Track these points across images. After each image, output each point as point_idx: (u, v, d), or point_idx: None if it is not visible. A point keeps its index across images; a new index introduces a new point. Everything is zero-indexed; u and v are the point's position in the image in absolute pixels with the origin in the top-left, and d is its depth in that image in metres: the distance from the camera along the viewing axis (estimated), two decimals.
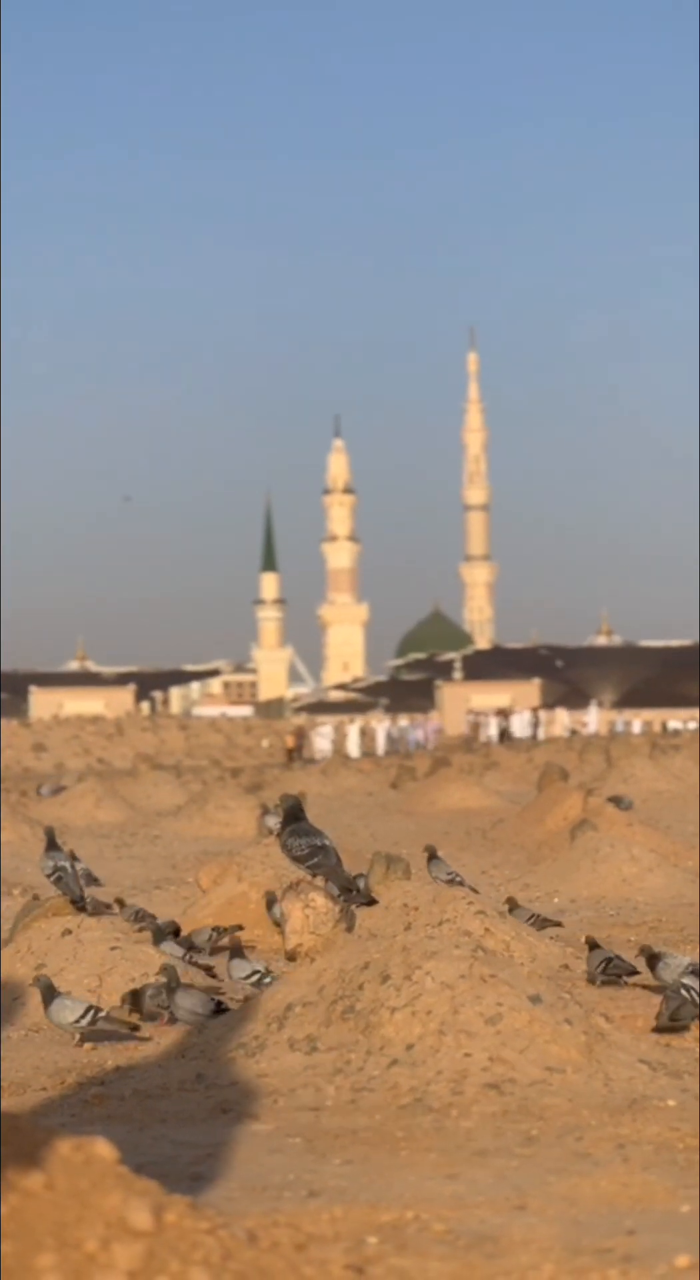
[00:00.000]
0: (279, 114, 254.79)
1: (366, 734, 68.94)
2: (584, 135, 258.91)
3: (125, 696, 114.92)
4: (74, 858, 14.58)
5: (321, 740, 65.43)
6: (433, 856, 16.62)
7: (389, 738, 68.58)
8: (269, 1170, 7.04)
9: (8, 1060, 9.96)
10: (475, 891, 16.08)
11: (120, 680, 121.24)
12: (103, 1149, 5.02)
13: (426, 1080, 8.19)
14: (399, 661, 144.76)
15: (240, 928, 13.82)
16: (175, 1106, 8.28)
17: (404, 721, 72.20)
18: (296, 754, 61.35)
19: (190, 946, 13.24)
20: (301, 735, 65.23)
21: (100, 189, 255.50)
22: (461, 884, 15.98)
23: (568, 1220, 6.26)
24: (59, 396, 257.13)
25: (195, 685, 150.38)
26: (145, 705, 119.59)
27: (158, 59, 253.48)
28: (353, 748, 65.40)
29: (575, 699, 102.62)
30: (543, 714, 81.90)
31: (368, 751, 65.43)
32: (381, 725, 71.10)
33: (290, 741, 64.04)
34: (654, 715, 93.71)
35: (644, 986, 11.90)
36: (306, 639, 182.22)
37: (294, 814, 9.81)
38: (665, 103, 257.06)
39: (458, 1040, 8.36)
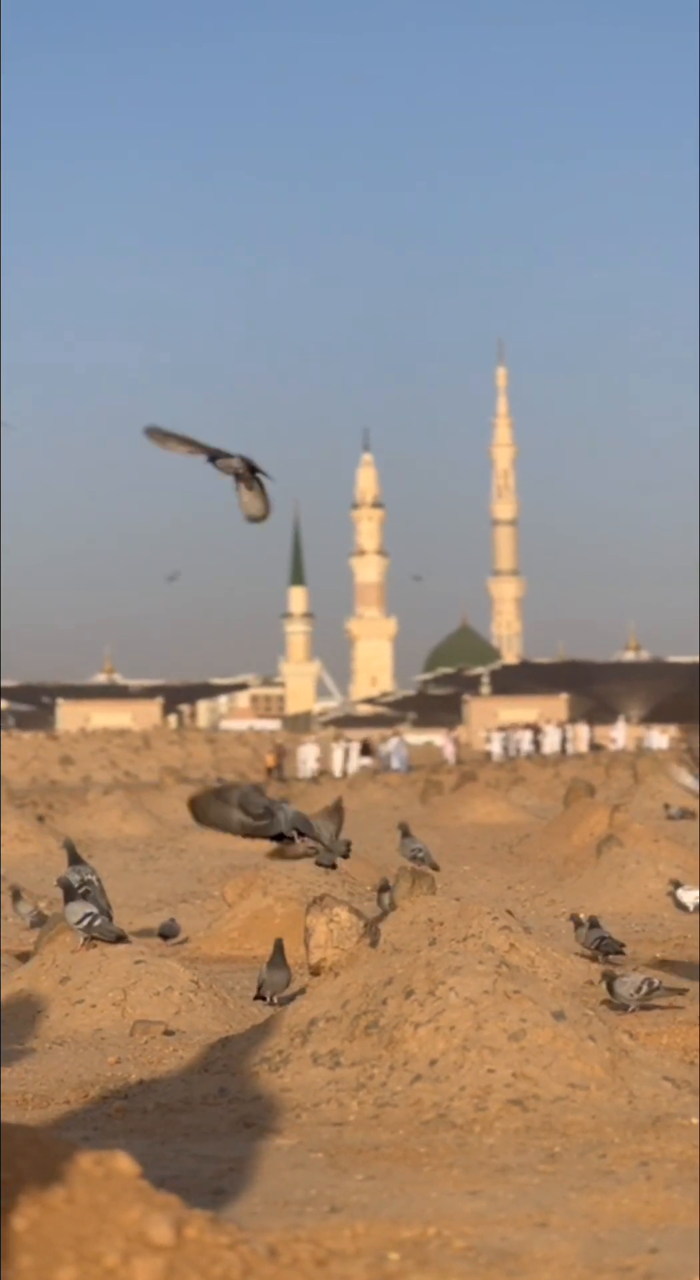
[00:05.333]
0: (307, 128, 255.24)
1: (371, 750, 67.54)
2: (615, 149, 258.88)
3: (152, 710, 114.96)
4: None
5: (306, 759, 64.16)
6: (405, 834, 16.74)
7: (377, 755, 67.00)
8: (291, 1185, 7.03)
9: (32, 1073, 9.97)
10: (435, 869, 16.12)
11: (147, 693, 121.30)
12: (123, 1163, 5.03)
13: (449, 1096, 8.18)
14: (427, 676, 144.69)
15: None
16: (198, 1120, 8.27)
17: (393, 740, 70.32)
18: (276, 772, 59.85)
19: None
20: (281, 753, 63.87)
21: (128, 199, 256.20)
22: (424, 860, 16.03)
23: (589, 1238, 6.24)
24: (83, 409, 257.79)
25: (223, 699, 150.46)
26: (172, 718, 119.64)
27: (176, 66, 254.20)
28: (336, 766, 64.00)
29: (603, 714, 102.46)
30: (578, 729, 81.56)
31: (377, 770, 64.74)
32: (343, 745, 68.69)
33: (270, 760, 62.74)
34: (682, 731, 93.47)
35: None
36: (334, 653, 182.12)
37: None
38: (693, 117, 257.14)
39: (481, 1056, 8.34)
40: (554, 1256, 6.00)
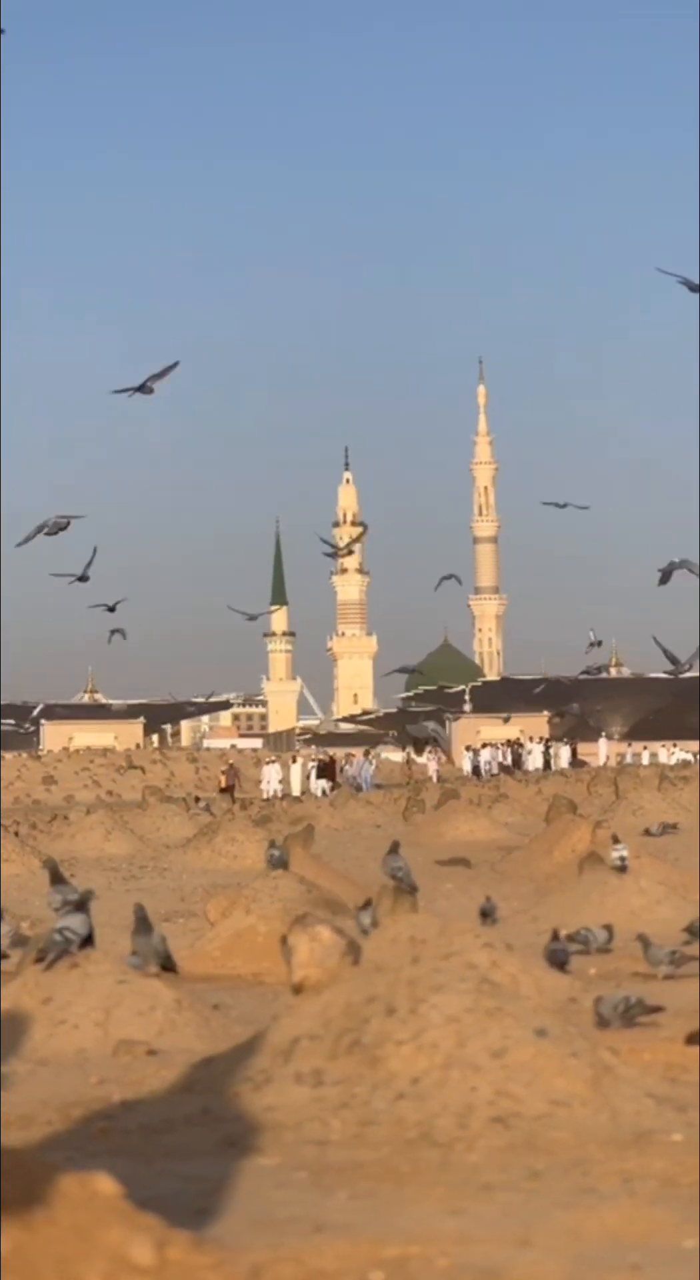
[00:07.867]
0: (286, 144, 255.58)
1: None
2: (595, 166, 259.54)
3: (135, 729, 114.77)
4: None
5: (268, 779, 63.20)
6: (392, 851, 16.80)
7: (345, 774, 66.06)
8: (274, 1204, 7.02)
9: (14, 1094, 9.94)
10: (414, 889, 16.15)
11: (130, 712, 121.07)
12: (106, 1184, 5.02)
13: (432, 1114, 8.18)
14: (408, 693, 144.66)
15: None
16: (181, 1140, 8.26)
17: (358, 759, 69.19)
18: (230, 793, 58.34)
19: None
20: (234, 773, 62.56)
21: (118, 211, 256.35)
22: (401, 879, 16.06)
23: (572, 1255, 6.24)
24: (67, 426, 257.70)
25: (205, 718, 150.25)
26: (155, 737, 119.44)
27: (163, 74, 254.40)
28: (296, 786, 63.10)
29: (584, 731, 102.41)
30: (558, 746, 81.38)
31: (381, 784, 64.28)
32: (302, 764, 67.59)
33: (222, 780, 61.37)
34: (663, 747, 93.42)
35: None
36: (316, 671, 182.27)
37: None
38: (680, 135, 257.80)
39: (463, 1074, 8.34)
40: (537, 1274, 6.00)
